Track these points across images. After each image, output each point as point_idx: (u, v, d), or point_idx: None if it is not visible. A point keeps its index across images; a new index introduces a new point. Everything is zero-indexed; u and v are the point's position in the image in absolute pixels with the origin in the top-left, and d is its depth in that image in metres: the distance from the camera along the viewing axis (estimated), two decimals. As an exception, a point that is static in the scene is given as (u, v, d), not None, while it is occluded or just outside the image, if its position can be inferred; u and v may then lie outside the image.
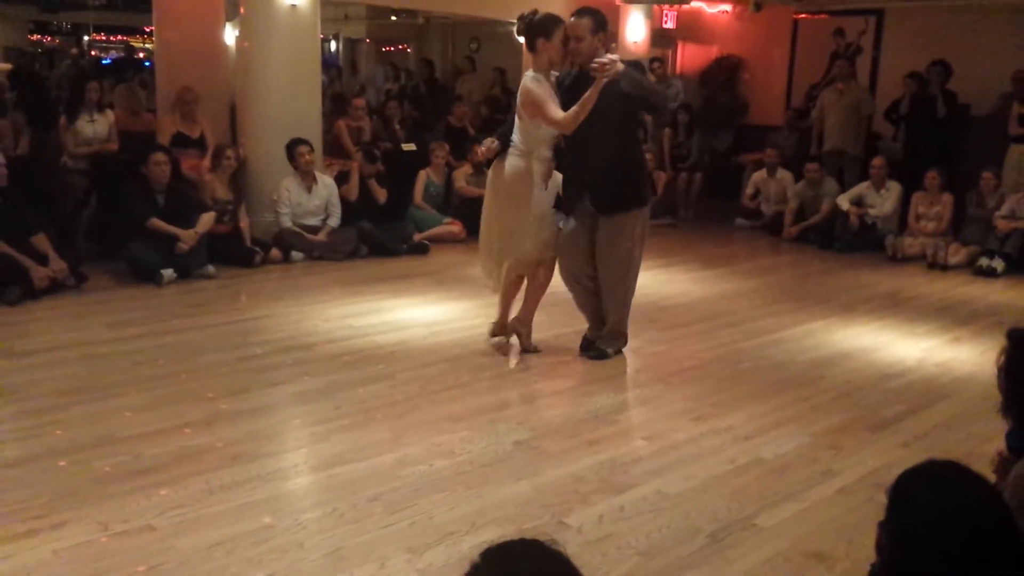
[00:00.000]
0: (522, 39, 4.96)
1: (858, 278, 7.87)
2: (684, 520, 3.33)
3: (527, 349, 5.31)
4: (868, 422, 4.41)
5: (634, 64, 4.85)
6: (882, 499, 1.85)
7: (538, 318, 6.13)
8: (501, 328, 5.37)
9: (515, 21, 4.96)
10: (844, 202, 9.17)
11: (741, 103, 12.55)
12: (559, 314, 6.23)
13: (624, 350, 5.44)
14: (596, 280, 5.17)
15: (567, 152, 4.98)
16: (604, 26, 4.89)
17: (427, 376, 4.82)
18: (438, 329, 5.76)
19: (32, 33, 18.54)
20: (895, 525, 1.82)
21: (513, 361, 5.21)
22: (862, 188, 9.24)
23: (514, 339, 5.39)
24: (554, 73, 4.97)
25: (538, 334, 5.64)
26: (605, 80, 4.51)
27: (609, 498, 3.48)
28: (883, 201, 9.05)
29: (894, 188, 9.07)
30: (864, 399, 4.75)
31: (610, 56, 4.58)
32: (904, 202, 9.04)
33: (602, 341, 5.28)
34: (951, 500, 1.76)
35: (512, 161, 4.98)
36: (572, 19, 4.87)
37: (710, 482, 3.66)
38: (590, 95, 4.58)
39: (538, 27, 4.84)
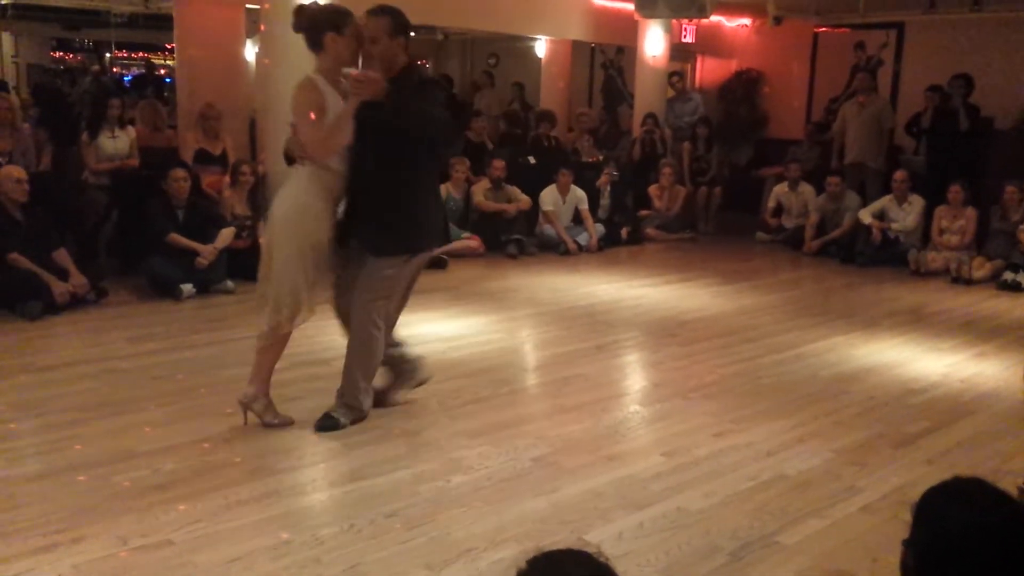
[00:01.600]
0: (302, 34, 4.08)
1: (881, 293, 7.80)
2: (704, 537, 3.29)
3: (267, 423, 4.22)
4: (892, 438, 4.35)
5: (425, 83, 4.22)
6: (907, 516, 1.82)
7: (553, 332, 6.13)
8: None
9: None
10: (866, 216, 9.11)
11: (761, 117, 12.53)
12: (576, 329, 6.22)
13: (644, 364, 5.39)
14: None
15: (348, 175, 4.09)
16: (406, 29, 4.10)
17: (445, 391, 4.80)
18: (456, 344, 5.75)
19: (54, 50, 18.75)
20: (921, 543, 1.80)
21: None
22: (884, 202, 9.18)
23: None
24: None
25: (554, 348, 5.62)
26: (359, 99, 3.88)
27: (628, 515, 3.44)
28: (906, 215, 8.98)
29: (916, 202, 9.00)
30: (888, 415, 4.69)
31: (368, 72, 3.90)
32: (927, 216, 8.97)
33: (338, 403, 4.29)
34: (977, 518, 1.73)
35: (297, 175, 4.09)
36: (366, 17, 4.07)
37: (731, 499, 3.62)
38: (343, 113, 3.90)
39: (327, 20, 4.01)
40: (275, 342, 4.18)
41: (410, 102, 3.99)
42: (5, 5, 13.42)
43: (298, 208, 4.00)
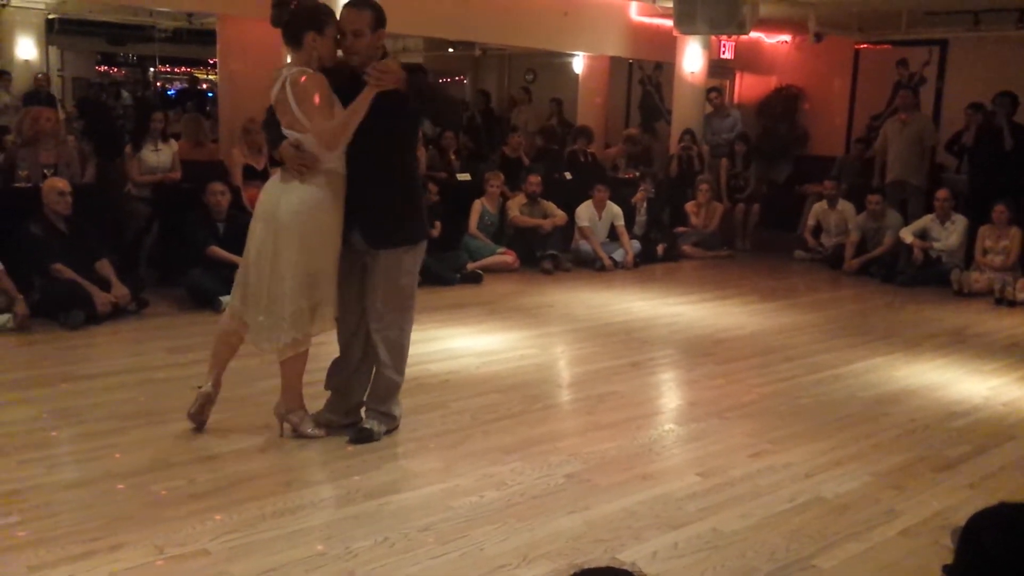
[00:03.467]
0: (280, 29, 4.05)
1: (922, 313, 7.69)
2: (740, 560, 3.25)
3: (303, 434, 4.25)
4: (933, 462, 4.27)
5: (415, 67, 4.15)
6: (947, 542, 1.80)
7: (588, 349, 6.11)
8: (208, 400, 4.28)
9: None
10: (908, 235, 8.99)
11: (800, 134, 12.44)
12: (611, 346, 6.20)
13: (680, 382, 5.33)
14: (369, 343, 4.28)
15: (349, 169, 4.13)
16: (384, 23, 4.07)
17: (479, 406, 4.80)
18: (490, 359, 5.75)
19: (99, 64, 19.13)
20: (963, 569, 1.76)
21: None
22: (926, 221, 9.05)
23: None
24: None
25: (589, 365, 5.59)
26: (377, 90, 3.86)
27: (663, 534, 3.41)
28: (948, 234, 8.85)
29: (959, 221, 8.87)
30: (929, 438, 4.61)
31: (388, 63, 3.91)
32: (970, 236, 8.83)
33: (369, 413, 4.31)
34: (1022, 545, 1.70)
35: (309, 182, 4.00)
36: (347, 11, 4.02)
37: (767, 521, 3.57)
38: (360, 103, 3.86)
39: (308, 18, 3.95)
40: (297, 354, 4.18)
41: (426, 88, 4.03)
42: (52, 20, 13.73)
43: (319, 226, 4.00)
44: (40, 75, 12.33)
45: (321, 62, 4.00)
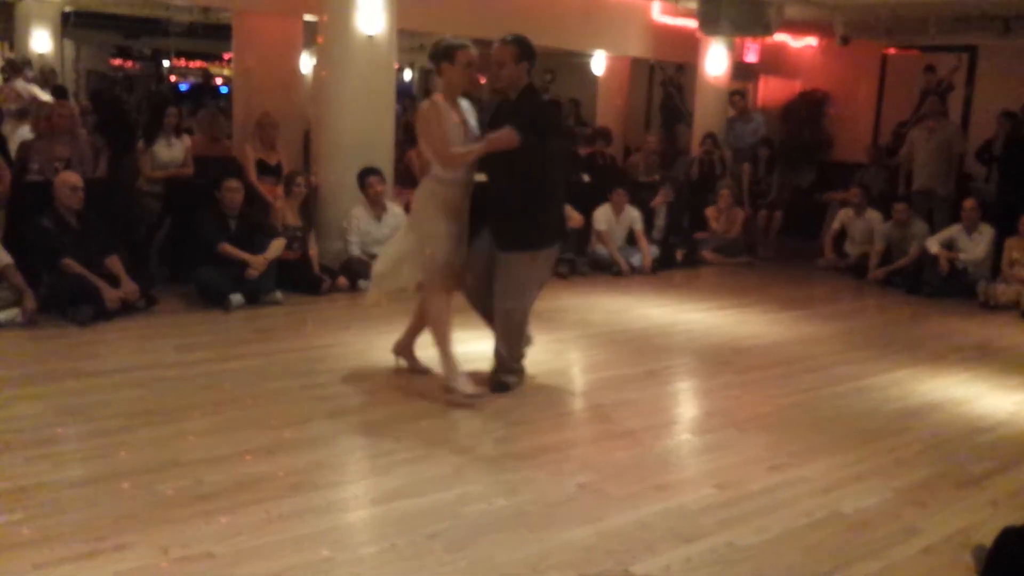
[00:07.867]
0: (432, 65, 4.97)
1: (947, 325, 7.56)
2: (755, 575, 3.17)
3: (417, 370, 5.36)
4: (955, 478, 4.18)
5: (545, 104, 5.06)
6: (968, 560, 1.71)
7: (604, 355, 6.05)
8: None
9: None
10: (934, 245, 8.83)
11: (825, 139, 12.31)
12: (627, 353, 6.12)
13: (697, 392, 5.25)
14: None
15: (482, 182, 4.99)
16: (530, 56, 4.83)
17: (491, 412, 4.74)
18: (505, 363, 5.68)
19: (114, 58, 19.22)
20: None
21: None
22: (953, 231, 8.90)
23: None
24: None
25: (604, 372, 5.53)
26: (491, 150, 4.73)
27: (676, 547, 3.34)
28: (975, 245, 8.70)
29: (987, 232, 8.72)
30: (952, 454, 4.51)
31: (501, 134, 4.74)
32: (997, 246, 8.67)
33: (499, 370, 5.12)
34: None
35: (425, 182, 4.97)
36: (496, 46, 4.81)
37: (784, 536, 3.49)
38: (475, 152, 4.73)
39: (442, 52, 4.80)
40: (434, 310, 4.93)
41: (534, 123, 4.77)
42: (67, 13, 13.80)
43: (421, 215, 4.90)
44: (46, 67, 12.36)
45: (453, 86, 4.83)
